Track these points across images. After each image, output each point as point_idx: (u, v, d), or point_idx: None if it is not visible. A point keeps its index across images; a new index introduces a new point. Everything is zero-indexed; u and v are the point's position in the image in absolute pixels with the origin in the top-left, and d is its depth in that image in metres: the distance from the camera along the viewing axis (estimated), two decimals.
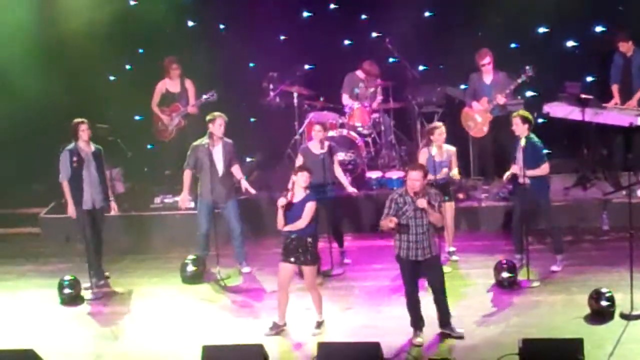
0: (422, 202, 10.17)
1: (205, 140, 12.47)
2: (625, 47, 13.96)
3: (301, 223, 10.64)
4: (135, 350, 10.64)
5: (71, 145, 12.37)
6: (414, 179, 10.21)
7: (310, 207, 10.67)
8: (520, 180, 11.83)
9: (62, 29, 14.70)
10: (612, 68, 14.20)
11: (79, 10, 14.72)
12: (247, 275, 12.65)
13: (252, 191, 12.68)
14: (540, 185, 11.95)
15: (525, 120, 11.88)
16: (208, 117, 12.53)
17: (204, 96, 14.35)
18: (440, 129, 12.22)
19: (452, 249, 12.64)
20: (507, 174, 12.14)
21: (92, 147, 12.46)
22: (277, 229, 10.81)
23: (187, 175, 12.66)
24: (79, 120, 12.39)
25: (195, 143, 12.56)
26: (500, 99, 13.73)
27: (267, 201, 13.61)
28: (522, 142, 11.81)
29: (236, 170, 12.68)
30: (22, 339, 10.92)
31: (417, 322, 10.53)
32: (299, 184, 10.77)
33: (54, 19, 14.79)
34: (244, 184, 12.64)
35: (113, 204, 12.67)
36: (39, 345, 10.29)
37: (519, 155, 11.83)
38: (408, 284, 10.53)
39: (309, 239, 10.69)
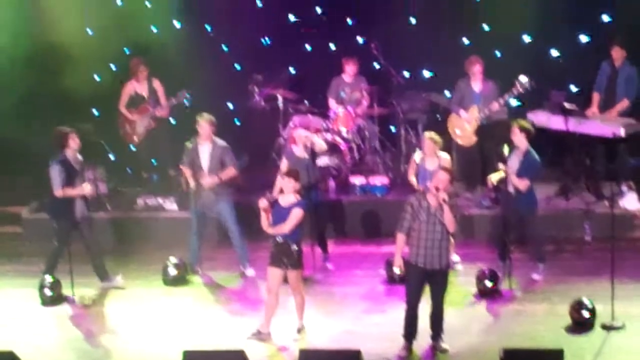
0: (441, 195, 10.00)
1: (194, 139, 12.46)
2: (618, 53, 13.84)
3: (284, 228, 10.59)
4: (116, 353, 10.60)
5: (60, 157, 11.96)
6: (441, 179, 10.12)
7: (295, 214, 10.60)
8: (510, 187, 11.91)
9: (47, 28, 14.61)
10: (599, 76, 14.13)
11: (66, 9, 14.65)
12: (230, 278, 12.62)
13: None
14: (527, 196, 12.00)
15: (522, 129, 11.99)
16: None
17: (174, 99, 14.28)
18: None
19: (456, 257, 12.50)
20: (495, 176, 12.14)
21: (79, 156, 12.13)
22: (262, 232, 10.81)
23: (185, 169, 12.61)
24: (68, 129, 12.02)
25: (187, 143, 12.51)
26: (496, 106, 13.67)
27: (252, 204, 13.54)
28: (506, 150, 11.92)
29: (224, 172, 12.48)
30: (1, 340, 10.83)
31: (412, 334, 10.36)
32: (286, 189, 10.77)
33: (40, 18, 14.71)
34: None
35: None
36: (18, 347, 10.20)
37: (510, 163, 11.91)
38: (412, 293, 10.29)
39: (294, 244, 10.65)
